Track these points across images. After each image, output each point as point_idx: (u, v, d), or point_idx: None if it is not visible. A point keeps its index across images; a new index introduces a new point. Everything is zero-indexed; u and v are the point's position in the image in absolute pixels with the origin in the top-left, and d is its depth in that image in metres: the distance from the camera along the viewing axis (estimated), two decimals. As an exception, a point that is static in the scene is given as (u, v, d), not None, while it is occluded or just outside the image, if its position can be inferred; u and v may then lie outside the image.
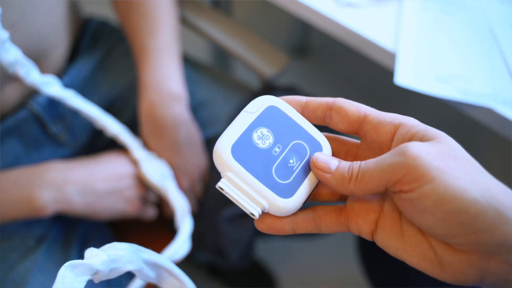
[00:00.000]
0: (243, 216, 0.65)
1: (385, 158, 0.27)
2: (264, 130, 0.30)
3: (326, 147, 0.32)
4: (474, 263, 0.25)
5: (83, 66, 0.68)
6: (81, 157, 0.61)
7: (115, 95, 0.70)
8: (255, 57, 0.74)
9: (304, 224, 0.30)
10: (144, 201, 0.62)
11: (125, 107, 0.70)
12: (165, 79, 0.62)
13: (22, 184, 0.54)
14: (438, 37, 0.61)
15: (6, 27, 0.50)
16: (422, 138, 0.27)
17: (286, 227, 0.29)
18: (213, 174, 0.67)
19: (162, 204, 0.66)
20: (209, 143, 0.68)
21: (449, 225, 0.24)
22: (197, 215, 0.67)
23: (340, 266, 1.11)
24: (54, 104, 0.62)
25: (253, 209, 0.29)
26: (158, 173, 0.61)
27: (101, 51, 0.70)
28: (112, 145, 0.68)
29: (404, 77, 0.55)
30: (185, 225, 0.58)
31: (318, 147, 0.31)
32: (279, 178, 0.29)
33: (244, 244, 0.74)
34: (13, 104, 0.59)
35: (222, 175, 0.29)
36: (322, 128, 0.32)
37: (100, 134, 0.68)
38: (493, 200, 0.24)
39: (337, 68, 1.50)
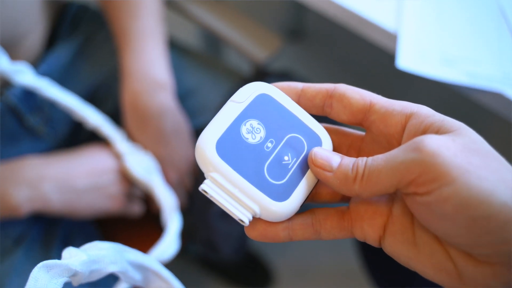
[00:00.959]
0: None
1: (397, 154, 0.23)
2: (254, 123, 0.27)
3: (326, 140, 0.28)
4: (501, 276, 0.22)
5: (62, 53, 0.65)
6: (61, 151, 0.59)
7: (97, 84, 0.67)
8: (245, 40, 0.72)
9: (302, 231, 0.26)
10: (129, 196, 0.60)
11: (108, 97, 0.67)
12: (149, 65, 0.59)
13: (-6, 182, 0.51)
14: (443, 16, 0.57)
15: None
16: (439, 130, 0.23)
17: (281, 234, 0.26)
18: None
19: (149, 199, 0.63)
20: (198, 133, 0.64)
21: (474, 233, 0.21)
22: (187, 209, 0.65)
23: (337, 257, 1.09)
24: (31, 94, 0.59)
25: (242, 214, 0.25)
26: (143, 166, 0.58)
27: (82, 37, 0.67)
28: (96, 137, 0.65)
29: (406, 60, 0.52)
30: (173, 222, 0.55)
31: (317, 141, 0.28)
32: (272, 178, 0.26)
33: (237, 238, 0.73)
34: (-15, 96, 0.56)
35: (205, 175, 0.25)
36: (321, 118, 0.29)
37: (82, 126, 0.65)
38: None
39: (334, 52, 1.45)
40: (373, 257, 0.64)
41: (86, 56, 0.67)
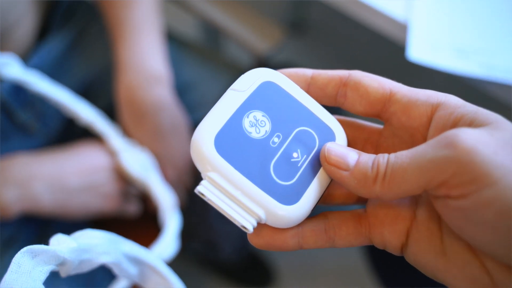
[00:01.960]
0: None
1: (425, 150, 0.20)
2: (258, 114, 0.24)
3: (340, 135, 0.25)
4: None
5: (55, 46, 0.63)
6: (53, 148, 0.57)
7: (91, 78, 0.65)
8: (246, 32, 0.71)
9: (314, 238, 0.23)
10: (124, 195, 0.58)
11: (103, 91, 0.65)
12: (145, 58, 0.57)
13: (-19, 181, 0.50)
14: (455, 4, 0.55)
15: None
16: (472, 123, 0.21)
17: (290, 242, 0.23)
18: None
19: (146, 199, 0.62)
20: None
21: None
22: (187, 208, 0.63)
23: (340, 256, 1.08)
24: (22, 88, 0.57)
25: (245, 220, 0.22)
26: (140, 164, 0.56)
27: (75, 29, 0.65)
28: (90, 133, 0.63)
29: (418, 51, 0.50)
30: (172, 222, 0.54)
31: (330, 135, 0.25)
32: (279, 178, 0.23)
33: (238, 237, 0.72)
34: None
35: (202, 175, 0.23)
36: (332, 109, 0.26)
37: (76, 121, 0.63)
38: None
39: (340, 45, 1.42)
40: (380, 255, 0.62)
41: (80, 49, 0.65)
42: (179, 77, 0.64)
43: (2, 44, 0.54)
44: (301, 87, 0.25)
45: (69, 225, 0.59)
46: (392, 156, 0.21)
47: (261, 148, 0.23)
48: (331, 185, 0.25)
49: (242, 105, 0.24)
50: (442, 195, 0.20)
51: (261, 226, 0.23)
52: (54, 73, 0.61)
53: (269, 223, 0.23)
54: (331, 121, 0.25)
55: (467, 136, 0.19)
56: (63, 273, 0.27)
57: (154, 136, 0.58)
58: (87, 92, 0.64)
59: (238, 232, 0.69)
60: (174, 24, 0.81)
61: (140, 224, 0.66)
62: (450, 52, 0.50)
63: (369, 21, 0.58)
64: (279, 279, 1.05)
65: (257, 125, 0.23)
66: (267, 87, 0.24)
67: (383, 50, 1.26)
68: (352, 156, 0.23)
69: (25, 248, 0.24)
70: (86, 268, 0.28)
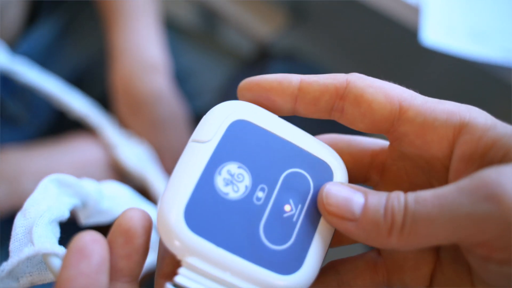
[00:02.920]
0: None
1: (458, 200, 0.16)
2: (232, 167, 0.20)
3: (339, 168, 0.21)
4: None
5: (44, 32, 0.61)
6: (44, 140, 0.55)
7: (84, 66, 0.63)
8: (246, 17, 0.71)
9: None
10: None
11: (96, 81, 0.63)
12: (141, 44, 0.55)
13: (-32, 177, 0.48)
14: None
15: None
16: (508, 154, 0.17)
17: None
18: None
19: (144, 193, 0.59)
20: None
21: None
22: None
23: (345, 254, 1.06)
24: (10, 77, 0.54)
25: None
26: (137, 157, 0.54)
27: (66, 14, 0.63)
28: (84, 124, 0.61)
29: (432, 35, 0.47)
30: None
31: (325, 172, 0.21)
32: (273, 243, 0.19)
33: None
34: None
35: (180, 261, 0.18)
36: (322, 123, 0.22)
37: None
38: None
39: (344, 32, 1.39)
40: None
41: (72, 35, 0.63)
42: (177, 64, 0.63)
43: (-13, 30, 0.52)
44: (287, 104, 0.21)
45: (63, 224, 0.57)
46: (411, 198, 0.17)
47: (243, 211, 0.19)
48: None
49: (210, 160, 0.19)
50: (482, 255, 0.17)
51: None
52: (44, 61, 0.59)
53: None
54: (325, 152, 0.21)
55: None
56: (83, 218, 0.26)
57: (152, 127, 0.56)
58: (79, 81, 0.62)
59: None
60: (171, 9, 0.79)
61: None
62: (466, 36, 0.48)
63: (377, 3, 0.56)
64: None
65: (234, 182, 0.19)
66: (237, 129, 0.20)
67: (392, 35, 1.22)
68: (357, 200, 0.19)
69: (53, 175, 0.24)
70: (104, 219, 0.27)
